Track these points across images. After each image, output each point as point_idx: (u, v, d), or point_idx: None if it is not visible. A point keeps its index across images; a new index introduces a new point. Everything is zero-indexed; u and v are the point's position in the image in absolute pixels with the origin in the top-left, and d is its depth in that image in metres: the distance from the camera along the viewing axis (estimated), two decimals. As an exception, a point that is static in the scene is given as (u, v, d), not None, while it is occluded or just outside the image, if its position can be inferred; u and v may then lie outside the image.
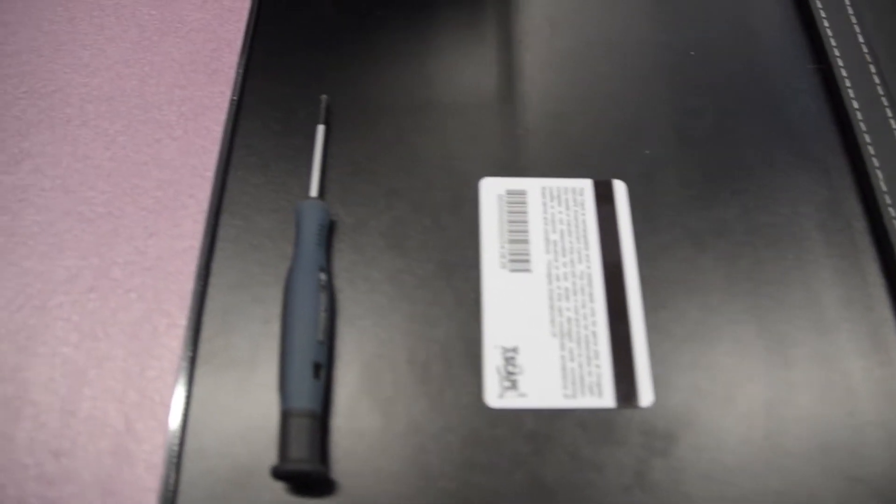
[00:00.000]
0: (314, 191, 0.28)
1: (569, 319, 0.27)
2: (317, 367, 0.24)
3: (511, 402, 0.25)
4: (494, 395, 0.25)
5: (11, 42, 0.34)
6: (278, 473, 0.23)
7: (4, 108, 0.32)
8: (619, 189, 0.29)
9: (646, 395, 0.26)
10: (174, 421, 0.25)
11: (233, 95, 0.30)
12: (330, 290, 0.26)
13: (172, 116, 0.31)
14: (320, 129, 0.30)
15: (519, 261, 0.28)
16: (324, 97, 0.31)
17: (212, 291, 0.27)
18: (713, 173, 0.30)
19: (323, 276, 0.26)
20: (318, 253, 0.27)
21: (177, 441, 0.24)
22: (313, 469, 0.23)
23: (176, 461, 0.24)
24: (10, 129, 0.31)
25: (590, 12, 0.35)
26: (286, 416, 0.24)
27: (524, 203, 0.29)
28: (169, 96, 0.31)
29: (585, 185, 0.29)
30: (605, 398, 0.25)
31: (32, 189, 0.30)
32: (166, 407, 0.25)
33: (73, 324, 0.27)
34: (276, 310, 0.27)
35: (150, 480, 0.24)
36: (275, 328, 0.27)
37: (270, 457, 0.24)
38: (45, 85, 0.32)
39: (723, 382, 0.26)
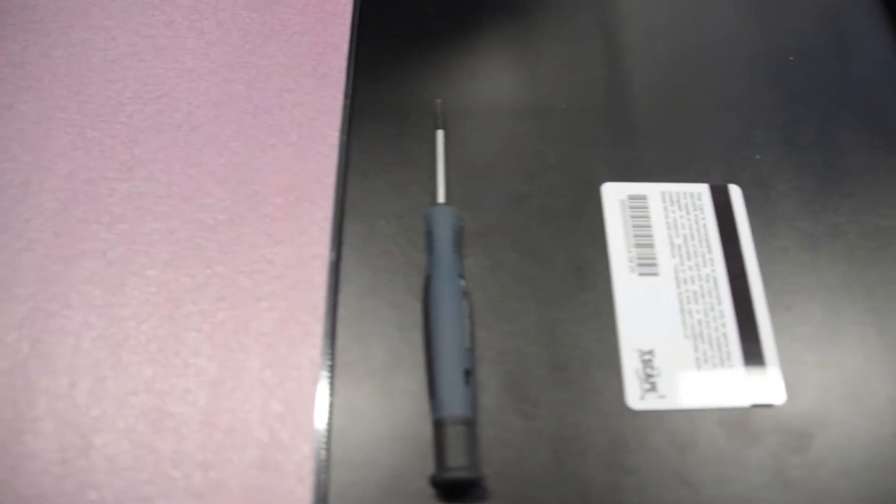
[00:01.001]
0: (441, 196, 0.29)
1: (699, 322, 0.27)
2: (467, 374, 0.25)
3: (652, 403, 0.26)
4: (636, 398, 0.26)
5: (112, 47, 0.33)
6: (438, 482, 0.23)
7: (111, 115, 0.31)
8: (735, 193, 0.30)
9: (778, 394, 0.26)
10: (319, 431, 0.25)
11: (345, 100, 0.30)
12: (468, 296, 0.27)
13: (285, 121, 0.31)
14: (440, 135, 0.30)
15: (647, 265, 0.28)
16: (438, 102, 0.31)
17: (344, 299, 0.27)
18: (822, 177, 0.31)
19: (463, 283, 0.26)
20: (456, 259, 0.27)
21: (324, 451, 0.25)
22: (473, 477, 0.23)
23: (325, 471, 0.24)
24: (118, 135, 0.31)
25: (689, 18, 0.35)
26: (441, 425, 0.24)
27: (646, 208, 0.29)
28: (279, 101, 0.31)
29: (703, 190, 0.30)
30: (740, 397, 0.26)
31: (148, 196, 0.29)
32: (309, 417, 0.25)
33: (204, 334, 0.27)
34: (411, 317, 0.27)
35: (301, 491, 0.24)
36: (412, 335, 0.27)
37: (417, 463, 0.25)
38: (150, 90, 0.32)
39: (849, 381, 0.27)
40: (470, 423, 0.24)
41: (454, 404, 0.24)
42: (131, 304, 0.27)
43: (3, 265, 0.29)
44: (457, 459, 0.23)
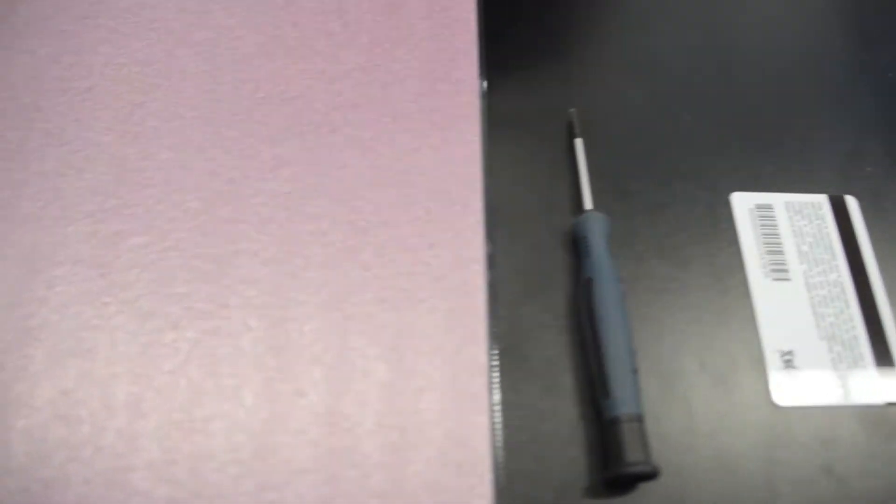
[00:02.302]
0: (589, 203, 0.30)
1: (831, 324, 0.29)
2: (634, 374, 0.26)
3: (795, 400, 0.28)
4: (781, 395, 0.28)
5: (238, 46, 0.34)
6: (617, 477, 0.25)
7: (246, 114, 0.32)
8: (852, 204, 0.32)
9: (907, 393, 0.29)
10: (493, 429, 0.26)
11: (482, 107, 0.32)
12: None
13: (425, 125, 0.32)
14: (579, 143, 0.32)
15: (778, 270, 0.30)
16: (572, 111, 0.33)
17: (502, 303, 0.29)
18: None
19: (622, 287, 0.28)
20: (613, 263, 0.28)
21: (501, 449, 0.26)
22: (651, 471, 0.25)
23: (502, 468, 0.26)
24: (258, 134, 0.32)
25: (798, 36, 0.37)
26: (616, 422, 0.25)
27: (773, 217, 0.31)
28: (417, 105, 0.32)
29: (822, 201, 0.32)
30: (875, 396, 0.28)
31: (295, 197, 0.30)
32: (482, 416, 0.26)
33: (369, 336, 0.28)
34: (566, 321, 0.28)
35: (482, 488, 0.25)
36: (567, 337, 0.28)
37: (584, 460, 0.26)
38: (284, 91, 0.33)
39: (965, 381, 0.29)
40: (641, 420, 0.26)
41: (627, 402, 0.26)
42: (290, 305, 0.28)
43: (151, 264, 0.29)
44: (634, 455, 0.25)
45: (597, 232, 0.29)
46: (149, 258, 0.29)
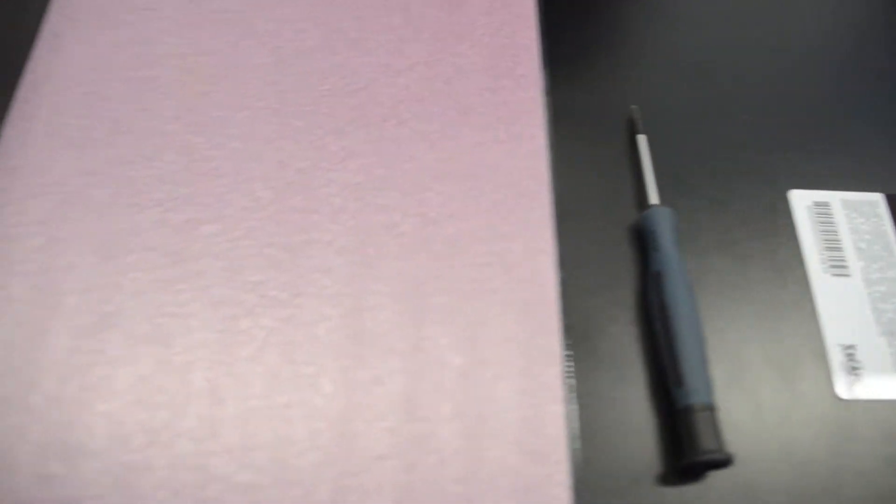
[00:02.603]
0: (655, 198, 0.31)
1: (890, 320, 0.30)
2: (706, 364, 0.27)
3: (858, 393, 0.29)
4: (844, 388, 0.29)
5: (301, 39, 0.34)
6: (692, 465, 0.26)
7: (312, 105, 0.33)
8: (909, 203, 0.33)
9: (963, 388, 0.29)
10: (569, 417, 0.27)
11: (546, 103, 0.32)
12: (694, 292, 0.29)
13: (491, 119, 0.32)
14: (642, 139, 0.32)
15: (838, 266, 0.31)
16: (634, 108, 0.33)
17: (571, 295, 0.29)
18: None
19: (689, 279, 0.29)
20: (681, 257, 0.29)
21: (576, 440, 0.27)
22: (725, 458, 0.26)
23: (580, 453, 0.26)
24: (325, 126, 0.32)
25: (851, 32, 0.38)
26: (690, 411, 0.26)
27: (830, 214, 0.32)
28: (481, 99, 0.33)
29: (878, 199, 0.33)
30: (934, 391, 0.29)
31: (366, 187, 0.31)
32: (558, 404, 0.27)
33: (443, 325, 0.28)
34: (634, 313, 0.29)
35: (560, 476, 0.26)
36: (638, 330, 0.29)
37: (656, 447, 0.27)
38: (349, 83, 0.33)
39: None
40: (714, 409, 0.26)
41: (700, 391, 0.26)
42: (365, 294, 0.29)
43: (224, 252, 0.30)
44: (709, 443, 0.26)
45: (664, 226, 0.29)
46: (221, 246, 0.30)
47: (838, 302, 0.30)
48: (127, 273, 0.29)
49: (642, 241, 0.31)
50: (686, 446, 0.26)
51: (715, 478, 0.27)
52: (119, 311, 0.28)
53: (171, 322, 0.28)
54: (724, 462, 0.26)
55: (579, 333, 0.29)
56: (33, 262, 0.29)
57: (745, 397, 0.28)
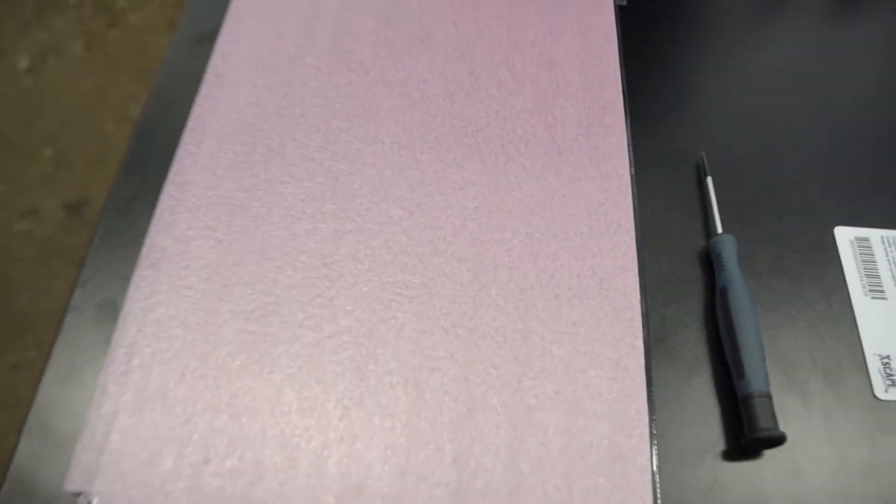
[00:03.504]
0: (720, 228, 0.38)
1: (920, 337, 0.37)
2: (764, 360, 0.34)
3: (894, 395, 0.35)
4: (881, 390, 0.35)
5: (425, 88, 0.43)
6: (752, 441, 0.32)
7: (436, 142, 0.41)
8: (938, 241, 0.40)
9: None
10: (648, 403, 0.34)
11: (630, 148, 0.40)
12: (755, 304, 0.36)
13: (584, 160, 0.40)
14: (709, 180, 0.40)
15: (876, 290, 0.38)
16: (702, 154, 0.41)
17: (651, 305, 0.36)
18: None
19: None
20: (743, 275, 0.36)
21: (654, 423, 0.33)
22: (780, 435, 0.32)
23: (656, 436, 0.33)
24: (446, 159, 0.40)
25: (889, 88, 0.46)
26: (750, 398, 0.33)
27: (870, 248, 0.39)
28: (577, 144, 0.41)
29: (912, 236, 0.40)
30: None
31: (481, 210, 0.38)
32: (641, 391, 0.34)
33: (547, 325, 0.35)
34: (702, 322, 0.36)
35: (642, 446, 0.33)
36: (705, 335, 0.36)
37: (722, 433, 0.34)
38: (465, 126, 0.41)
39: None
40: (770, 397, 0.33)
41: (759, 382, 0.33)
42: (481, 296, 0.36)
43: (365, 258, 0.37)
44: (767, 422, 0.32)
45: (729, 250, 0.37)
46: (362, 252, 0.37)
47: (876, 320, 0.37)
48: (284, 271, 0.37)
49: (710, 262, 0.38)
50: (746, 427, 0.33)
51: (769, 456, 0.33)
52: (277, 301, 0.36)
53: (320, 311, 0.36)
54: (778, 439, 0.32)
55: (657, 336, 0.36)
56: (205, 260, 0.37)
57: (795, 394, 0.35)
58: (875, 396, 0.35)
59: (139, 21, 1.58)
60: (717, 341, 0.36)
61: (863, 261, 0.39)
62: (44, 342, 1.19)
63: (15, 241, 1.29)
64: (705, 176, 0.40)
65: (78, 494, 0.31)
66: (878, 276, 0.38)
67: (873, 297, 0.38)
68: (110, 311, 0.37)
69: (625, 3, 0.49)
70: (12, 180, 1.36)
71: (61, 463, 0.32)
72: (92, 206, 1.32)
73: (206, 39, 0.46)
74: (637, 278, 0.37)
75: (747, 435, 0.33)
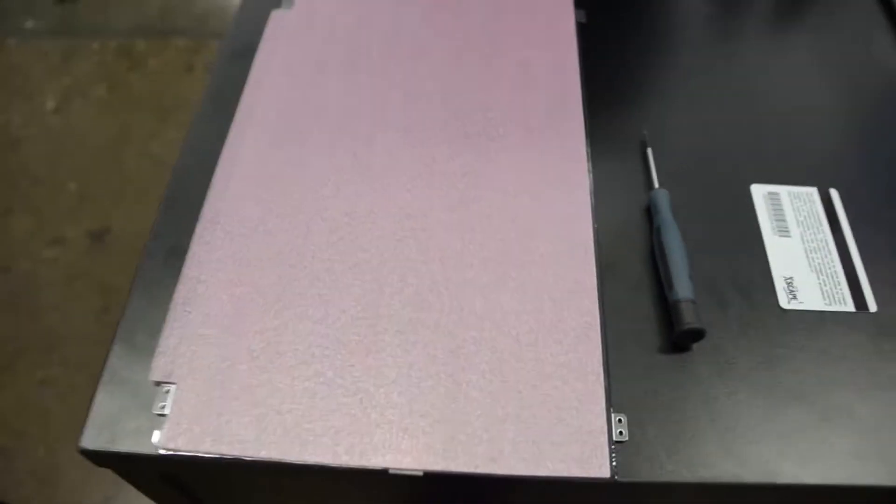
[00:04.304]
0: (656, 184, 0.49)
1: (818, 264, 0.47)
2: (690, 278, 0.45)
3: (794, 305, 0.45)
4: (785, 302, 0.46)
5: (420, 85, 0.54)
6: (680, 334, 0.43)
7: (432, 127, 0.52)
8: (835, 195, 0.51)
9: (871, 304, 0.46)
10: (603, 314, 0.44)
11: (586, 129, 0.52)
12: (684, 237, 0.47)
13: (550, 138, 0.52)
14: (649, 151, 0.52)
15: (783, 231, 0.49)
16: (644, 131, 0.53)
17: (604, 242, 0.47)
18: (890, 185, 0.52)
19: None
20: (674, 218, 0.47)
21: (606, 318, 0.44)
22: (701, 328, 0.43)
23: (605, 330, 0.44)
24: (439, 139, 0.52)
25: (804, 91, 0.58)
26: (678, 303, 0.44)
27: (780, 200, 0.50)
28: (545, 125, 0.52)
29: (812, 192, 0.51)
30: (846, 305, 0.46)
31: (468, 177, 0.50)
32: (594, 304, 0.44)
33: (522, 259, 0.46)
34: (643, 253, 0.47)
35: (594, 333, 0.43)
36: (645, 262, 0.47)
37: (659, 332, 0.44)
38: (456, 114, 0.53)
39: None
40: (694, 302, 0.44)
41: (685, 290, 0.44)
42: (471, 236, 0.47)
43: (377, 211, 0.48)
44: (690, 319, 0.43)
45: (663, 200, 0.48)
46: (376, 207, 0.49)
47: (783, 251, 0.48)
48: (315, 222, 0.48)
49: (650, 210, 0.49)
50: (675, 324, 0.43)
51: (696, 348, 0.44)
52: (309, 245, 0.47)
53: (344, 248, 0.47)
54: (700, 331, 0.43)
55: (608, 262, 0.47)
56: (252, 215, 0.48)
57: (717, 304, 0.45)
58: (780, 306, 0.46)
59: (158, 65, 1.73)
60: (655, 268, 0.47)
61: (773, 209, 0.50)
62: (70, 360, 1.29)
63: (43, 266, 1.40)
64: (646, 147, 0.52)
65: (159, 384, 0.42)
66: (784, 220, 0.49)
67: (780, 236, 0.49)
68: (178, 254, 0.48)
69: (584, 20, 0.61)
70: (41, 212, 1.48)
71: (146, 363, 0.43)
72: (113, 234, 1.44)
73: (247, 53, 0.58)
74: (591, 221, 0.48)
75: (675, 329, 0.43)
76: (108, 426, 0.41)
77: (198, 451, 0.39)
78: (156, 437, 0.40)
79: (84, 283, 1.39)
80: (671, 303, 0.44)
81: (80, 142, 1.60)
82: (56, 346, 1.31)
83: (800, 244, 0.48)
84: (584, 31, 0.60)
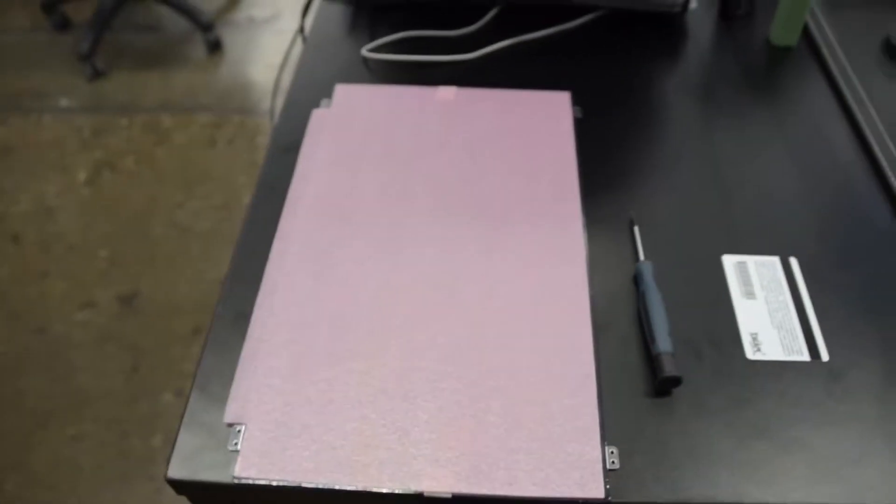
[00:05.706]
0: (642, 257, 0.60)
1: (779, 321, 0.58)
2: (670, 334, 0.55)
3: (759, 357, 0.56)
4: (751, 353, 0.56)
5: (443, 173, 0.66)
6: (661, 381, 0.53)
7: (454, 209, 0.64)
8: (794, 263, 0.62)
9: (824, 354, 0.56)
10: (597, 359, 0.54)
11: (581, 211, 0.63)
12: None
13: (552, 219, 0.63)
14: (636, 228, 0.63)
15: (749, 294, 0.59)
16: (631, 212, 0.64)
17: (599, 302, 0.58)
18: (842, 250, 0.63)
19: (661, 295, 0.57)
20: (656, 285, 0.58)
21: (599, 373, 0.54)
22: (679, 376, 0.53)
23: (601, 378, 0.54)
24: (459, 220, 0.63)
25: (774, 170, 0.69)
26: (659, 355, 0.54)
27: (747, 268, 0.61)
28: (547, 209, 0.64)
29: (775, 260, 0.62)
30: (802, 355, 0.56)
31: (482, 252, 0.61)
32: (589, 347, 0.55)
33: (527, 316, 0.57)
34: (632, 315, 0.58)
35: (589, 377, 0.53)
36: (633, 322, 0.57)
37: (643, 378, 0.54)
38: (473, 198, 0.65)
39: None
40: (673, 355, 0.54)
41: (665, 345, 0.54)
42: (487, 293, 0.58)
43: (409, 275, 0.59)
44: (669, 369, 0.53)
45: (647, 270, 0.59)
46: (408, 271, 0.60)
47: (748, 310, 0.58)
48: (359, 292, 0.59)
49: (637, 279, 0.60)
50: (657, 372, 0.53)
51: (676, 394, 0.54)
52: (359, 309, 0.58)
53: (386, 302, 0.57)
54: (677, 379, 0.53)
55: (603, 322, 0.57)
56: (304, 286, 0.59)
57: (692, 355, 0.56)
58: (746, 357, 0.56)
59: (183, 139, 1.88)
60: (641, 326, 0.57)
61: (741, 275, 0.61)
62: (100, 416, 1.38)
63: (75, 329, 1.51)
64: (633, 225, 0.63)
65: (231, 425, 0.52)
66: (751, 285, 0.60)
67: (747, 298, 0.59)
68: (243, 318, 0.59)
69: (580, 115, 0.73)
70: (73, 277, 1.60)
71: (219, 407, 0.53)
72: (142, 298, 1.56)
73: (292, 149, 0.70)
74: (587, 289, 0.59)
75: (658, 377, 0.53)
76: (189, 459, 0.51)
77: (266, 480, 0.49)
78: (234, 468, 0.50)
79: (114, 344, 1.49)
80: (654, 355, 0.54)
81: (110, 211, 1.73)
82: (87, 403, 1.41)
83: (764, 305, 0.59)
84: (580, 126, 0.72)
